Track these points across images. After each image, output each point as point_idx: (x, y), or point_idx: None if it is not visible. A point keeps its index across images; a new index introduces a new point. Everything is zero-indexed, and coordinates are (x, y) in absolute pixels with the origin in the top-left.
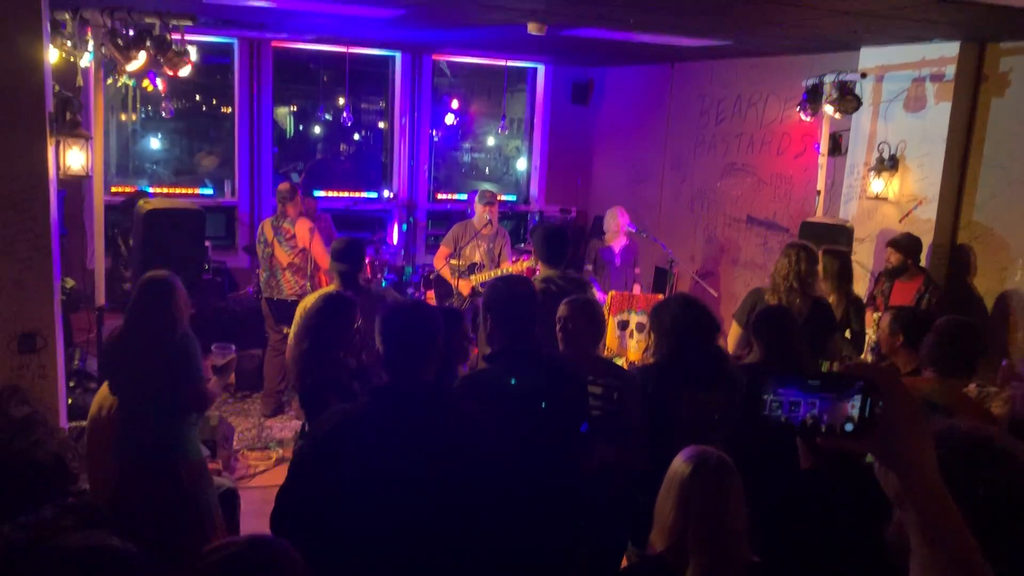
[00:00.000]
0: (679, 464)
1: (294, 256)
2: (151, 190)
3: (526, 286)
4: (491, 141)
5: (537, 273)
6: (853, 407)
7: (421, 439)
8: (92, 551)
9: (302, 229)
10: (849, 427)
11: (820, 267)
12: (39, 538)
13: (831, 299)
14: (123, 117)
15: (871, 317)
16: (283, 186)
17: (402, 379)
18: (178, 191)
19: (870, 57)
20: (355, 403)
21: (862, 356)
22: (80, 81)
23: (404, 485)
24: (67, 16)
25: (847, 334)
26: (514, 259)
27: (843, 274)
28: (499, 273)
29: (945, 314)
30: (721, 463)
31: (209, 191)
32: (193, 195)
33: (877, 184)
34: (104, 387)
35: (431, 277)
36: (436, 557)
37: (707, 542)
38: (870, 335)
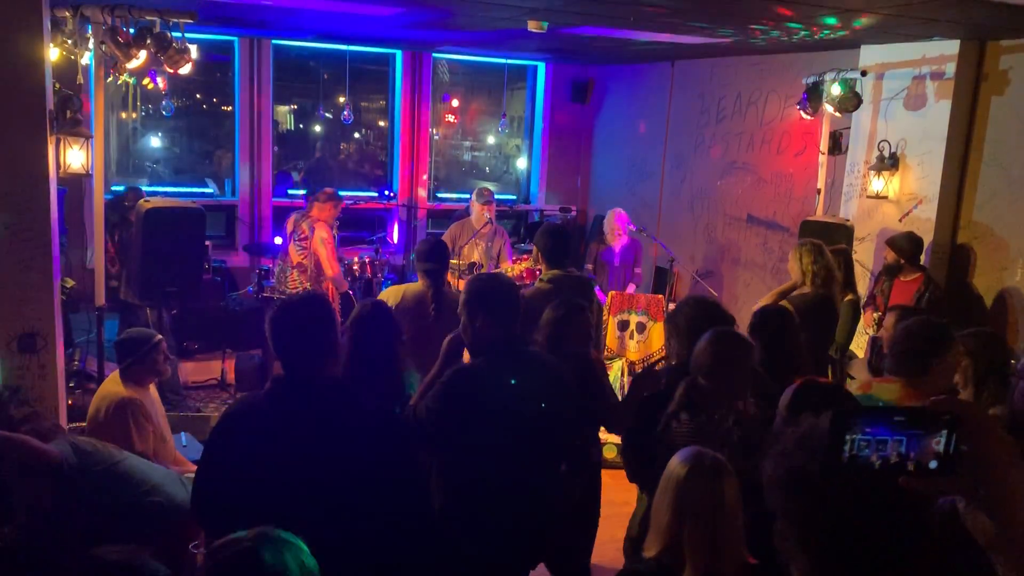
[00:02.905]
0: (675, 465)
1: (303, 257)
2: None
3: (507, 283)
4: (491, 140)
5: (540, 272)
6: (938, 443)
7: (313, 430)
8: (126, 567)
9: (318, 233)
10: (934, 464)
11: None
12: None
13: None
14: (123, 115)
15: (871, 316)
16: (327, 189)
17: (295, 372)
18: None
19: (870, 55)
20: (256, 392)
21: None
22: (80, 79)
23: (295, 474)
24: (67, 14)
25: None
26: (514, 259)
27: (846, 272)
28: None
29: (944, 313)
30: (716, 464)
31: (209, 190)
32: (193, 194)
33: (877, 183)
34: (102, 389)
35: None
36: (333, 545)
37: (702, 543)
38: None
